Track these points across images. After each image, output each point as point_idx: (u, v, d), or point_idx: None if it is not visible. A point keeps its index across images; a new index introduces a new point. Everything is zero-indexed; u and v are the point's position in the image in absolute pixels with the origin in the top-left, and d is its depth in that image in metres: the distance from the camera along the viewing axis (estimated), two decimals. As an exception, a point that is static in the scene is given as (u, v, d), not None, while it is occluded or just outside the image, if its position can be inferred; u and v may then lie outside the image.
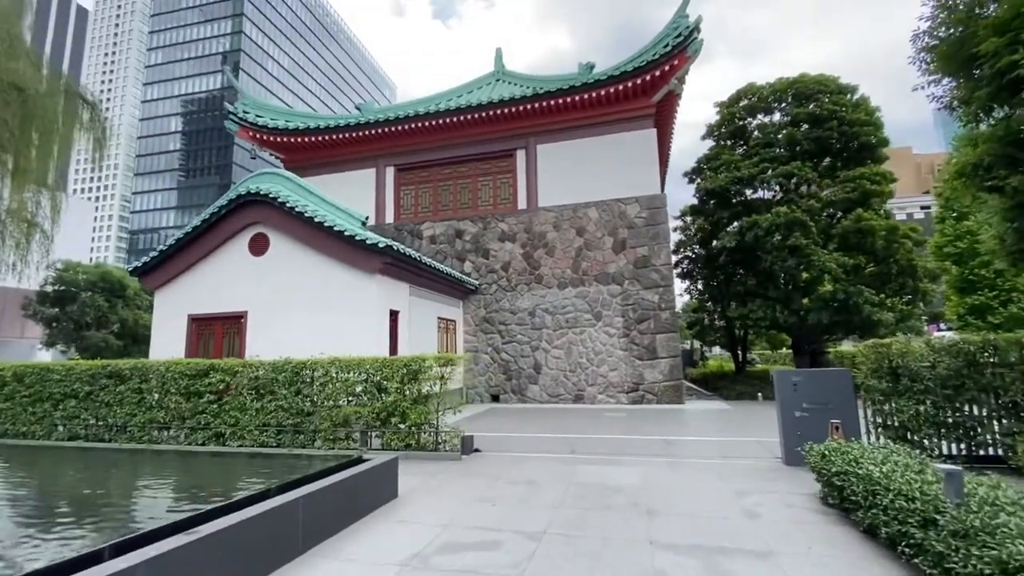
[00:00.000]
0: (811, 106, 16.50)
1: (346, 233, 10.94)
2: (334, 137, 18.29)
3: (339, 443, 8.08)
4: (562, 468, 6.91)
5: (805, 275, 17.11)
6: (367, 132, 18.04)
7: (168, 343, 12.22)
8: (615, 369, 15.09)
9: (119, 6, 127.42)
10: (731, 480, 6.19)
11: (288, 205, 11.41)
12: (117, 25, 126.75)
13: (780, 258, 15.30)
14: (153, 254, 12.58)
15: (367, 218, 11.63)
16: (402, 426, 7.86)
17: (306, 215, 11.22)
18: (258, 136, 18.88)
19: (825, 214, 16.91)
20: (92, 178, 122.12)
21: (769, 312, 15.81)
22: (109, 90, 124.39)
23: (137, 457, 6.45)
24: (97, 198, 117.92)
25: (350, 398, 8.24)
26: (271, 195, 11.61)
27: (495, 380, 16.16)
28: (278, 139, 18.78)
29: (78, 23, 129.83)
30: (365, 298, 11.22)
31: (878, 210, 15.91)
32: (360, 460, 5.35)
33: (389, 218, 18.44)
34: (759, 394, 16.19)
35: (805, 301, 16.72)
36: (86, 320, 19.80)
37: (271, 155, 20.00)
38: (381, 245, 10.81)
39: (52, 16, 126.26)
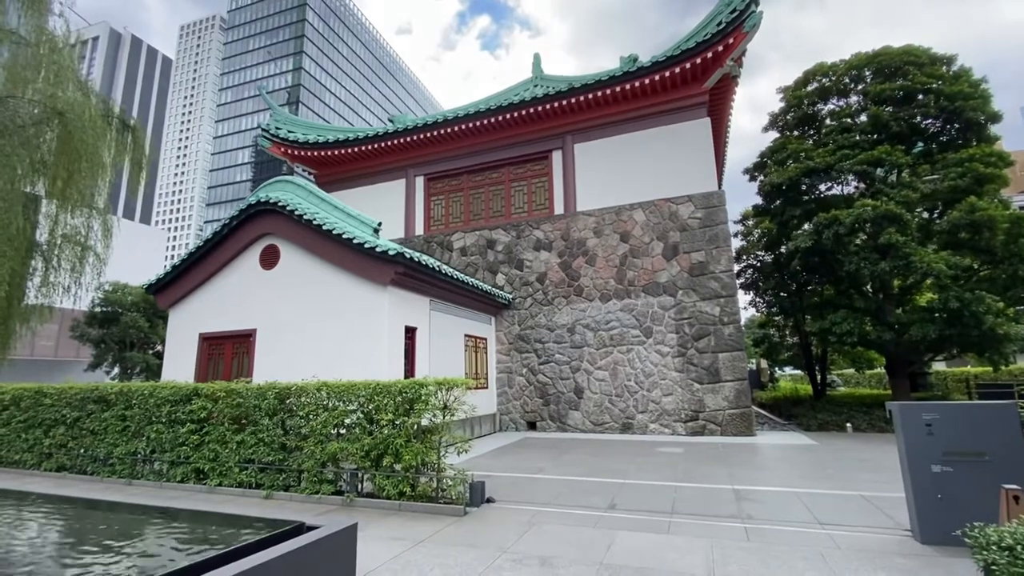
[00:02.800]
0: (899, 81, 13.94)
1: (355, 241, 9.81)
2: (364, 148, 17.61)
3: (326, 486, 6.71)
4: (594, 535, 5.15)
5: (898, 281, 14.37)
6: (398, 141, 17.24)
7: (179, 364, 11.54)
8: (669, 394, 13.00)
9: (197, 54, 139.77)
10: (844, 569, 4.19)
11: (297, 213, 10.49)
12: (195, 70, 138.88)
13: (869, 261, 12.75)
14: (167, 269, 12.05)
15: (380, 224, 10.47)
16: (397, 467, 6.37)
17: (314, 223, 10.22)
18: (290, 151, 18.57)
19: (922, 208, 14.18)
20: (172, 210, 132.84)
21: (856, 325, 13.18)
22: (188, 128, 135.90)
23: (55, 509, 5.32)
24: (176, 228, 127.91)
25: (340, 431, 6.89)
26: (280, 203, 10.74)
27: (531, 405, 14.44)
28: (309, 153, 18.37)
29: (163, 71, 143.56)
30: (377, 313, 9.98)
31: (993, 199, 13.02)
32: (302, 528, 3.87)
33: (419, 230, 17.42)
34: (848, 424, 13.50)
35: (899, 312, 13.94)
36: (130, 341, 20.07)
37: (303, 171, 19.69)
38: (392, 253, 9.58)
39: (141, 66, 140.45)
